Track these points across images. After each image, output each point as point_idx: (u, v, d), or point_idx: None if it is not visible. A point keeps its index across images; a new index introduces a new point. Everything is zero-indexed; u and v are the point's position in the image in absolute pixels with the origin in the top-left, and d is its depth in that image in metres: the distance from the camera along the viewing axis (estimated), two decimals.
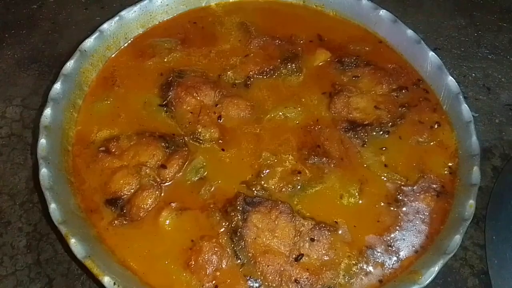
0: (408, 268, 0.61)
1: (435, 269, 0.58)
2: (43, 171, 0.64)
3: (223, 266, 0.60)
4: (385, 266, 0.62)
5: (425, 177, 0.70)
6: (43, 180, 0.63)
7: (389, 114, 0.76)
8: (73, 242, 0.58)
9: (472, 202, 0.64)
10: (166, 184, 0.68)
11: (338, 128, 0.75)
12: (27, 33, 0.97)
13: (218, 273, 0.60)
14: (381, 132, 0.75)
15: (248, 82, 0.80)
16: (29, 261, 0.68)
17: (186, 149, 0.71)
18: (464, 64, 0.97)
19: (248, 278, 0.60)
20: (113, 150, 0.71)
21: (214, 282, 0.59)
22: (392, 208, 0.67)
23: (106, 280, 0.55)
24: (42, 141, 0.67)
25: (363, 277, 0.61)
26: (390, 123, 0.76)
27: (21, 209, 0.73)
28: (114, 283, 0.55)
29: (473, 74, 0.95)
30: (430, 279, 0.58)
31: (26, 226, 0.71)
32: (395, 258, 0.63)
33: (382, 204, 0.67)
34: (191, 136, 0.73)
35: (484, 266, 0.69)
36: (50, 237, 0.69)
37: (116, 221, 0.64)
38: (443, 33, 1.01)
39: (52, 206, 0.61)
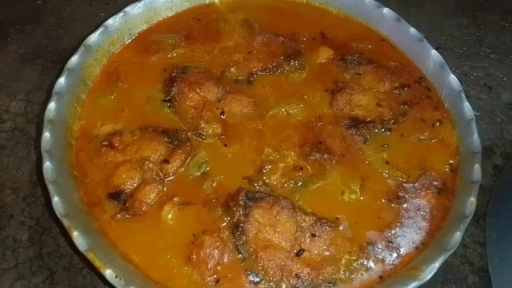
0: (408, 264, 0.61)
1: (436, 265, 0.58)
2: (47, 165, 0.64)
3: (225, 260, 0.61)
4: (386, 262, 0.62)
5: (426, 174, 0.70)
6: (47, 173, 0.64)
7: (391, 111, 0.77)
8: (75, 235, 0.58)
9: (473, 199, 0.65)
10: (169, 178, 0.69)
11: (340, 125, 0.75)
12: (32, 29, 0.98)
13: (219, 268, 0.60)
14: (383, 129, 0.75)
15: (251, 79, 0.80)
16: (31, 254, 0.68)
17: (189, 144, 0.72)
18: (466, 63, 0.97)
19: (249, 272, 0.60)
20: (116, 145, 0.71)
21: (215, 276, 0.60)
22: (393, 205, 0.67)
23: (108, 273, 0.56)
24: (46, 134, 0.68)
25: (363, 273, 0.61)
26: (392, 121, 0.76)
27: (24, 202, 0.73)
28: (116, 276, 0.55)
29: (475, 73, 0.95)
30: (430, 275, 0.58)
31: (29, 220, 0.72)
32: (395, 254, 0.63)
33: (383, 200, 0.68)
34: (194, 132, 0.73)
35: (484, 263, 0.69)
36: (53, 230, 0.70)
37: (118, 215, 0.64)
38: (445, 32, 1.01)
39: (55, 199, 0.61)
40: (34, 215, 0.72)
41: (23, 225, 0.71)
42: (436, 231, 0.65)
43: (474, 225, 0.74)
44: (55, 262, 0.67)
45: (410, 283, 0.57)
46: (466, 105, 0.75)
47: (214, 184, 0.68)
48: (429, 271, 0.58)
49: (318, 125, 0.75)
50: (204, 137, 0.73)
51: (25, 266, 0.67)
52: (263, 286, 0.59)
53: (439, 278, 0.68)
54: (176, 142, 0.72)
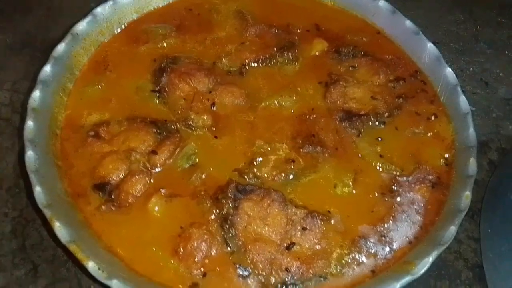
0: (401, 259, 0.60)
1: (429, 260, 0.57)
2: (29, 154, 0.62)
3: (213, 253, 0.59)
4: (378, 256, 0.61)
5: (421, 168, 0.68)
6: (29, 162, 0.62)
7: (386, 104, 0.75)
8: (57, 226, 0.56)
9: (468, 193, 0.63)
10: (157, 170, 0.67)
11: (333, 117, 0.74)
12: (21, 18, 0.95)
13: (207, 261, 0.59)
14: (377, 123, 0.73)
15: (243, 70, 0.78)
16: (14, 246, 0.66)
17: (178, 135, 0.70)
18: (462, 58, 0.96)
19: (238, 266, 0.58)
20: (103, 135, 0.69)
21: (202, 269, 0.58)
22: (386, 199, 0.66)
23: (90, 265, 0.54)
24: (29, 123, 0.66)
25: (355, 267, 0.59)
26: (387, 114, 0.74)
27: (8, 194, 0.71)
28: (99, 269, 0.53)
29: (471, 68, 0.94)
30: (423, 270, 0.57)
31: (12, 212, 0.69)
32: (388, 249, 0.61)
33: (377, 194, 0.66)
34: (184, 123, 0.72)
35: (478, 259, 0.68)
36: (36, 222, 0.68)
37: (103, 206, 0.62)
38: (442, 27, 1.00)
39: (37, 189, 0.59)
40: (18, 206, 0.70)
41: (6, 216, 0.69)
42: (430, 225, 0.63)
43: (469, 220, 0.72)
44: (38, 254, 0.65)
45: (403, 277, 0.56)
46: (462, 98, 0.74)
47: (203, 176, 0.66)
48: (423, 266, 0.56)
49: (311, 117, 0.74)
50: (193, 128, 0.71)
51: (7, 258, 0.65)
52: (252, 279, 0.57)
53: (433, 274, 0.66)
54: (164, 133, 0.70)
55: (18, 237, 0.67)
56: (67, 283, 0.63)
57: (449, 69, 0.77)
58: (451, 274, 0.67)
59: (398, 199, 0.66)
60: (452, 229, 0.59)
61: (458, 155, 0.70)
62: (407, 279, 0.56)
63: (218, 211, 0.62)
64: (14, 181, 0.72)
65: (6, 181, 0.72)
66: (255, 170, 0.67)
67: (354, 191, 0.66)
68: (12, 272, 0.64)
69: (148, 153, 0.67)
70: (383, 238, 0.62)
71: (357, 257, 0.60)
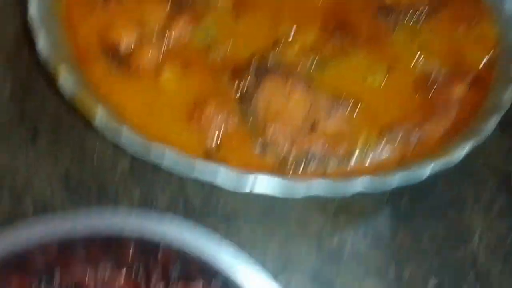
0: (430, 150, 0.56)
1: (461, 153, 0.53)
2: (34, 7, 0.56)
3: (229, 126, 0.54)
4: (406, 146, 0.56)
5: (460, 66, 0.63)
6: (34, 14, 0.55)
7: (427, 3, 0.68)
8: (63, 76, 0.51)
9: (508, 94, 0.58)
10: (170, 44, 0.61)
11: (368, 10, 0.67)
12: None
13: (222, 134, 0.54)
14: (416, 20, 0.67)
15: None
16: (13, 110, 0.62)
17: (196, 10, 0.63)
18: None
19: (255, 141, 0.54)
20: (114, 1, 0.62)
21: (218, 142, 0.54)
22: (419, 94, 0.60)
23: (99, 111, 0.49)
24: None
25: (381, 154, 0.55)
26: (427, 12, 0.67)
27: (9, 60, 0.66)
28: (106, 120, 0.49)
29: None
30: (453, 163, 0.53)
31: (13, 78, 0.64)
32: (418, 140, 0.57)
33: (409, 89, 0.61)
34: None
35: (507, 170, 0.64)
36: (39, 87, 0.62)
37: (113, 72, 0.57)
38: None
39: (41, 42, 0.54)
40: (19, 73, 0.64)
41: (5, 81, 0.64)
42: (464, 123, 0.58)
43: (499, 134, 0.67)
44: (39, 118, 0.61)
45: (432, 165, 0.51)
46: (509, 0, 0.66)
47: (222, 54, 0.60)
48: (452, 159, 0.52)
49: (344, 7, 0.67)
50: (213, 5, 0.64)
51: (7, 124, 0.61)
52: (270, 154, 0.53)
53: (457, 180, 0.62)
54: (181, 6, 0.63)
55: (18, 101, 0.62)
56: (70, 145, 0.59)
57: None
58: (476, 181, 0.63)
59: (432, 95, 0.60)
60: (491, 123, 0.54)
61: (500, 57, 0.64)
62: (435, 167, 0.52)
63: (237, 86, 0.57)
64: (16, 49, 0.67)
65: (8, 46, 0.67)
66: (279, 53, 0.61)
67: (385, 84, 0.61)
68: (11, 137, 0.60)
69: (162, 26, 0.61)
70: (412, 131, 0.57)
71: (383, 145, 0.56)
